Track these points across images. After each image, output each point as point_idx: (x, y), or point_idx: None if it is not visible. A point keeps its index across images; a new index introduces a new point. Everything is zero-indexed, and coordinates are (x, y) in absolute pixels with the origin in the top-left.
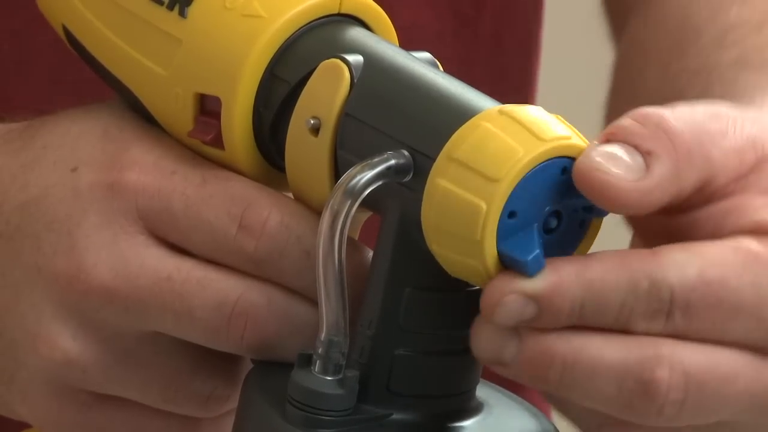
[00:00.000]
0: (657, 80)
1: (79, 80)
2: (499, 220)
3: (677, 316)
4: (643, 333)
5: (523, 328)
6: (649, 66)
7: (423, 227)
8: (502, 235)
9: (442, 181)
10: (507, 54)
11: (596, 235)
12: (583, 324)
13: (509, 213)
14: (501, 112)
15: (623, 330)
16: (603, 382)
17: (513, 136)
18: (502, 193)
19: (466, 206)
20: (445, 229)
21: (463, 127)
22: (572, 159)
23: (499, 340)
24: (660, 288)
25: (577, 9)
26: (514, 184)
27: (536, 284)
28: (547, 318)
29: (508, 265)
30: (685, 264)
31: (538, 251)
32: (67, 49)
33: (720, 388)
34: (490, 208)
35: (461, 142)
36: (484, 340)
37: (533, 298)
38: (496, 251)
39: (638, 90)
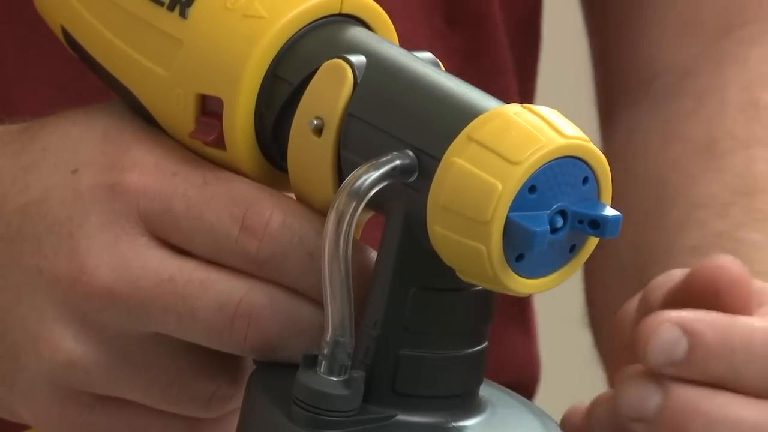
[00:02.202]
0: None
1: (84, 87)
2: (519, 193)
3: None
4: None
5: (669, 381)
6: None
7: (428, 207)
8: (516, 207)
9: (458, 159)
10: (480, 72)
11: (589, 253)
12: (728, 383)
13: (530, 187)
14: (524, 106)
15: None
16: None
17: (536, 127)
18: (519, 176)
19: (481, 185)
20: (454, 208)
21: (486, 113)
22: (593, 169)
23: (645, 392)
24: None
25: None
26: (533, 169)
27: (691, 315)
28: (697, 359)
29: (512, 238)
30: None
31: (547, 227)
32: (71, 55)
33: None
34: (505, 189)
35: (483, 125)
36: (629, 393)
37: (688, 331)
38: (502, 235)
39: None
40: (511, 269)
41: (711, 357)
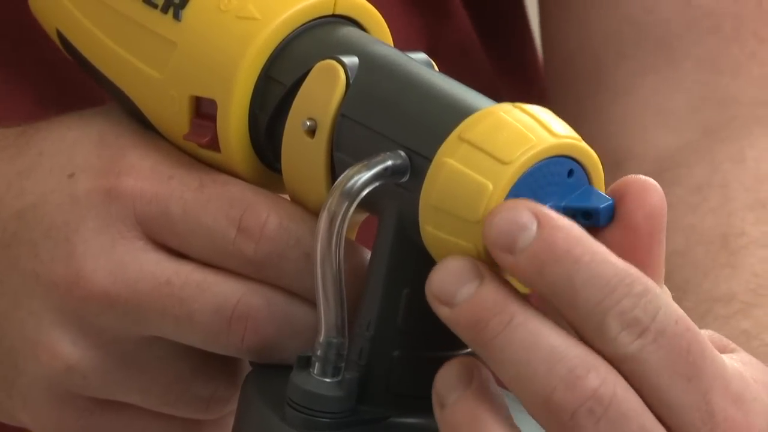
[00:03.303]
0: None
1: (67, 103)
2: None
3: (649, 338)
4: (609, 343)
5: (489, 272)
6: None
7: (420, 207)
8: None
9: (449, 159)
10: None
11: None
12: (559, 300)
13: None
14: (515, 105)
15: (594, 330)
16: (536, 357)
17: (527, 127)
18: (510, 176)
19: (472, 185)
20: (445, 208)
21: (477, 113)
22: (579, 164)
23: (463, 276)
24: (650, 300)
25: None
26: (523, 169)
27: (550, 211)
28: (537, 255)
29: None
30: (675, 305)
31: None
32: (54, 72)
33: None
34: (496, 189)
35: (474, 125)
36: (447, 271)
37: (540, 222)
38: None
39: None
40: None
41: (551, 258)
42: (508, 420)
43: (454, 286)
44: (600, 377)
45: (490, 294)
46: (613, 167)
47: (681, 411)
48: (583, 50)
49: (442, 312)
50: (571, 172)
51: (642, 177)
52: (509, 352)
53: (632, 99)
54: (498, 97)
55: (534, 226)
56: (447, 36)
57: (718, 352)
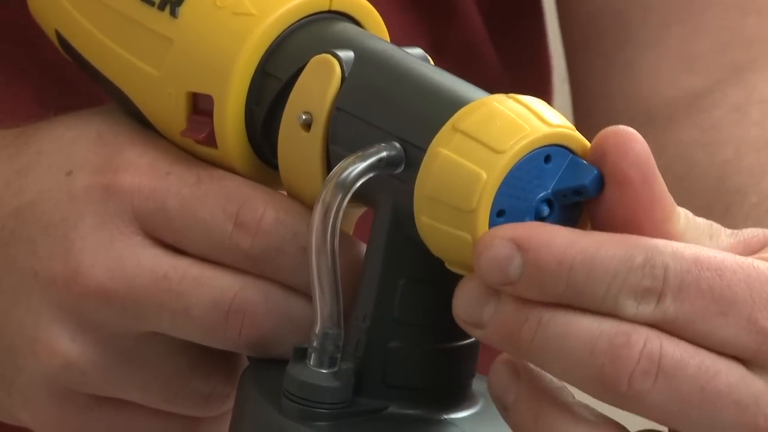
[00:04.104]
0: None
1: (68, 104)
2: (489, 219)
3: (668, 299)
4: (630, 319)
5: (504, 292)
6: None
7: (415, 197)
8: (500, 201)
9: (443, 150)
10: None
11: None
12: (569, 302)
13: (498, 212)
14: (509, 96)
15: (610, 314)
16: (575, 344)
17: (521, 116)
18: (504, 165)
19: (466, 174)
20: (440, 197)
21: (471, 104)
22: (557, 146)
23: (481, 298)
24: (654, 264)
25: None
26: (517, 158)
27: (526, 232)
28: (532, 278)
29: None
30: (683, 249)
31: None
32: (54, 72)
33: (698, 388)
34: (490, 178)
35: (468, 115)
36: (466, 297)
37: (522, 248)
38: (488, 223)
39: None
40: None
41: (546, 275)
42: (568, 401)
43: (477, 309)
44: (642, 337)
45: (510, 305)
46: (646, 117)
47: (731, 342)
48: (607, 9)
49: (477, 334)
50: (547, 158)
51: (615, 128)
52: (549, 349)
53: (660, 49)
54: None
55: (517, 254)
56: (452, 34)
57: (744, 264)
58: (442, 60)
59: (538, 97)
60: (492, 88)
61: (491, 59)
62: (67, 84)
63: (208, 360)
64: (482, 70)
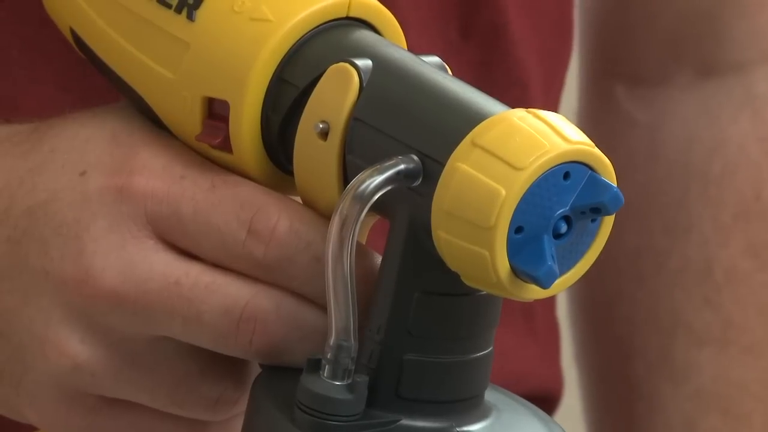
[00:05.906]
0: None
1: (89, 88)
2: (507, 236)
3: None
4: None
5: None
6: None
7: (432, 212)
8: (513, 250)
9: (462, 165)
10: (497, 83)
11: (608, 233)
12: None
13: (516, 229)
14: (529, 111)
15: None
16: None
17: (540, 132)
18: (523, 182)
19: (485, 191)
20: (458, 213)
21: (491, 118)
22: (576, 163)
23: None
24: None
25: None
26: (536, 175)
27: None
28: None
29: (521, 277)
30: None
31: (549, 264)
32: (76, 56)
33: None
34: (509, 195)
35: (487, 130)
36: None
37: None
38: (506, 240)
39: None
40: (516, 275)
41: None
42: None
43: None
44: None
45: None
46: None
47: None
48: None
49: None
50: (566, 175)
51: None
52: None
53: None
54: (524, 79)
55: None
56: (480, 16)
57: None
58: (469, 44)
59: (562, 62)
60: (510, 73)
61: (518, 38)
62: (89, 69)
63: (218, 364)
64: (509, 49)
